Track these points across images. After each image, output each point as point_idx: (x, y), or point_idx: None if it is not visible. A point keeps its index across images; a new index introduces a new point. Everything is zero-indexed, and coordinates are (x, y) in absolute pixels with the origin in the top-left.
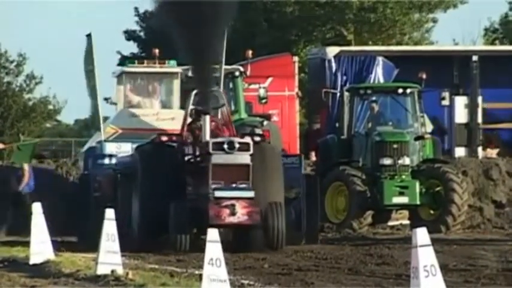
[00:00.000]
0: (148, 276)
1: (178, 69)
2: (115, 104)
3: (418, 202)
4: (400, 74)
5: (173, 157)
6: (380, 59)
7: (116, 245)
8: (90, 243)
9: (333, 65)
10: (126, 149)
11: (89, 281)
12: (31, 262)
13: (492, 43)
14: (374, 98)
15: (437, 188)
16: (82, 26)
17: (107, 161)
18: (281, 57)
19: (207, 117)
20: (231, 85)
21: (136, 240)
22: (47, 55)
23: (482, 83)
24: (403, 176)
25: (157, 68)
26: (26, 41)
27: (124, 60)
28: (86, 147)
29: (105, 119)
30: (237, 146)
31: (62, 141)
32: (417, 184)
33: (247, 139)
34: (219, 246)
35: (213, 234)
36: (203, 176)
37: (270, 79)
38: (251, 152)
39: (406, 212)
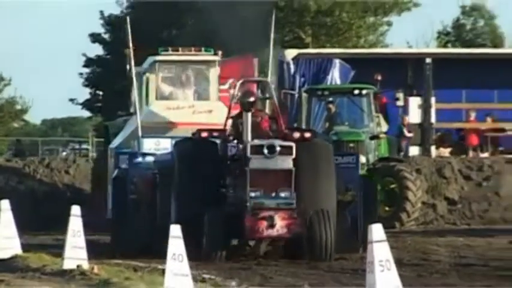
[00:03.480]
0: (113, 271)
1: (216, 57)
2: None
3: None
4: (356, 76)
5: (214, 155)
6: (337, 62)
7: (81, 241)
8: (127, 247)
9: (292, 67)
10: (165, 145)
11: (55, 276)
12: None
13: (445, 46)
14: (331, 99)
15: (392, 186)
16: (48, 29)
17: (141, 159)
18: (243, 59)
19: (249, 115)
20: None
21: None
22: (12, 55)
23: (435, 84)
24: None
25: (192, 56)
26: None
27: (89, 62)
28: (115, 143)
29: (73, 118)
30: (278, 149)
31: (29, 140)
32: None
33: (290, 142)
34: (181, 242)
35: (175, 230)
36: (243, 180)
37: (230, 80)
38: (293, 156)
39: None
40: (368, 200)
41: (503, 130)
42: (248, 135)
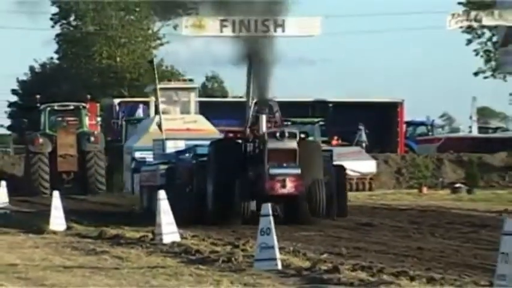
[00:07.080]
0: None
1: (196, 85)
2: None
3: None
4: None
5: (238, 149)
6: (141, 105)
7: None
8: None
9: (117, 107)
10: (181, 145)
11: None
12: None
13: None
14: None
15: None
16: None
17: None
18: (91, 104)
19: (264, 116)
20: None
21: (211, 214)
22: None
23: None
24: None
25: (181, 84)
26: None
27: (10, 104)
28: (131, 142)
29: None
30: (286, 134)
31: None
32: None
33: (295, 130)
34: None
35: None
36: (260, 160)
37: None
38: (298, 139)
39: None
40: (339, 181)
41: None
42: (264, 128)
